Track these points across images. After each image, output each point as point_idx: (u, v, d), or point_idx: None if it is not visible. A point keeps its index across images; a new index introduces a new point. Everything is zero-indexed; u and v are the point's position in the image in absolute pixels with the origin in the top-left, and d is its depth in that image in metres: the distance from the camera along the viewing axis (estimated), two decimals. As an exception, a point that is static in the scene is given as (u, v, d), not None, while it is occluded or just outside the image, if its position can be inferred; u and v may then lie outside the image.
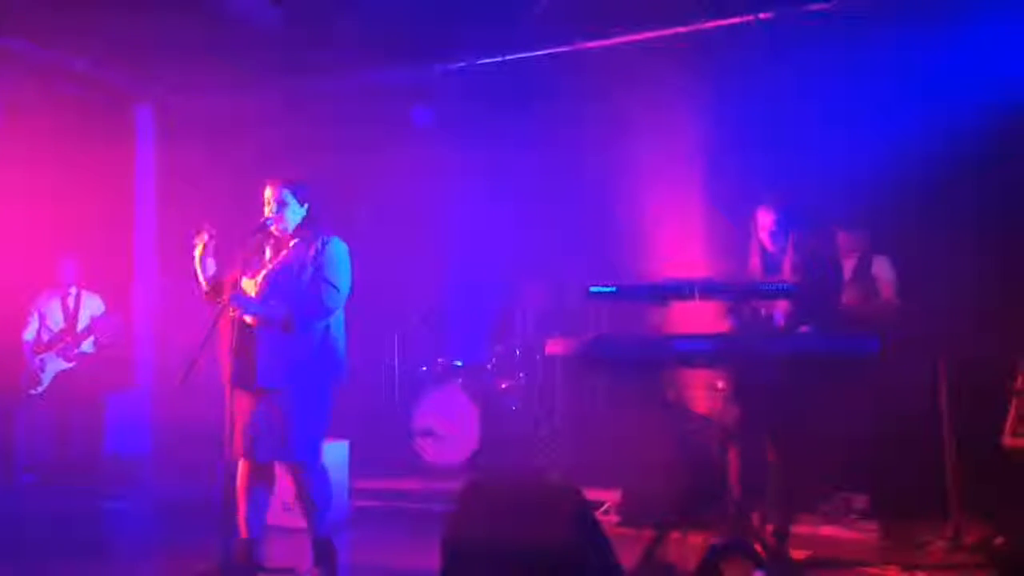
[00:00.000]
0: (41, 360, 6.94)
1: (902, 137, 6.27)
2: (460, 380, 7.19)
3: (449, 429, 6.95)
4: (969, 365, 5.29)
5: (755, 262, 4.86)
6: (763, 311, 4.69)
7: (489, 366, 7.33)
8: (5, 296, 7.23)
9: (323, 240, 4.33)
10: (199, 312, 4.43)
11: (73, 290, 7.16)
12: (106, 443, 7.22)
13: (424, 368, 7.49)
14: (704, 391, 5.97)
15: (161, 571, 5.08)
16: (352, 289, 4.39)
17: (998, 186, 6.14)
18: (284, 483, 4.49)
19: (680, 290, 4.13)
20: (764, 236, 4.79)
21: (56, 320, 7.08)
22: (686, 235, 6.79)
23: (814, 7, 6.29)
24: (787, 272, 4.68)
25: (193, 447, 6.95)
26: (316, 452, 4.33)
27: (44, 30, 6.86)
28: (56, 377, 6.96)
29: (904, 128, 6.26)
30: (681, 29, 6.62)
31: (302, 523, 4.43)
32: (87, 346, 7.09)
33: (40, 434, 6.97)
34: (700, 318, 4.99)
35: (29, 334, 7.03)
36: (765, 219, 4.78)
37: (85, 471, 6.83)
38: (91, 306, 7.20)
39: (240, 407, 4.26)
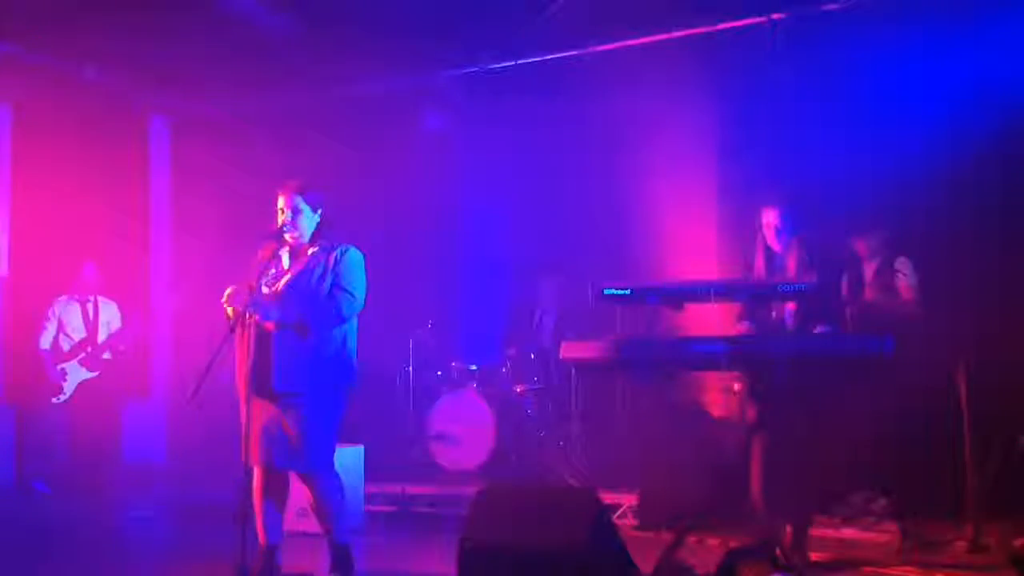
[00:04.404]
0: (63, 369, 6.96)
1: (918, 136, 6.25)
2: (475, 384, 7.18)
3: (464, 433, 6.94)
4: (989, 365, 5.25)
5: (759, 262, 4.84)
6: (774, 313, 4.66)
7: (504, 370, 7.32)
8: (21, 302, 7.28)
9: (343, 249, 4.36)
10: (214, 320, 4.44)
11: (92, 298, 7.18)
12: (124, 451, 7.24)
13: (439, 372, 7.48)
14: (721, 393, 5.97)
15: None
16: (366, 297, 4.39)
17: (1020, 186, 6.11)
18: (299, 489, 4.49)
19: (695, 292, 4.12)
20: (769, 235, 4.76)
21: (76, 328, 7.08)
22: (701, 235, 6.78)
23: (827, 7, 6.26)
24: (791, 272, 4.65)
25: (208, 455, 6.98)
26: (329, 460, 4.33)
27: (58, 41, 6.89)
28: (79, 386, 6.98)
29: (920, 127, 6.24)
30: (695, 31, 6.60)
31: (318, 528, 4.43)
32: (106, 355, 7.11)
33: (58, 441, 7.00)
34: (716, 320, 4.98)
35: (46, 341, 7.02)
36: (770, 218, 4.75)
37: (102, 479, 6.85)
38: (108, 313, 7.22)
39: (256, 414, 4.25)
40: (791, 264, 4.69)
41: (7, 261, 7.35)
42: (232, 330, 4.16)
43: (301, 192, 4.34)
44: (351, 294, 4.28)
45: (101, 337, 7.09)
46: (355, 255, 4.38)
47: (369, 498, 6.13)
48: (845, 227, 6.11)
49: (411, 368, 7.65)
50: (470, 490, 5.80)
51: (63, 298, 7.14)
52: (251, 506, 4.29)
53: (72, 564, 5.15)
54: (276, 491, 4.35)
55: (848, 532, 5.46)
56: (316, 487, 4.29)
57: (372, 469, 6.10)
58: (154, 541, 6.12)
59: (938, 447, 5.53)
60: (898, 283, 5.79)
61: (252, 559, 4.18)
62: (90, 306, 7.16)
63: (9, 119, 7.42)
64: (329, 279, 4.29)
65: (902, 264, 5.90)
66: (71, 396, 6.96)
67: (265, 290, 4.31)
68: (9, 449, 7.15)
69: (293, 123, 7.83)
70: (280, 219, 4.35)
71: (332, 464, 4.34)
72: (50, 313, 7.08)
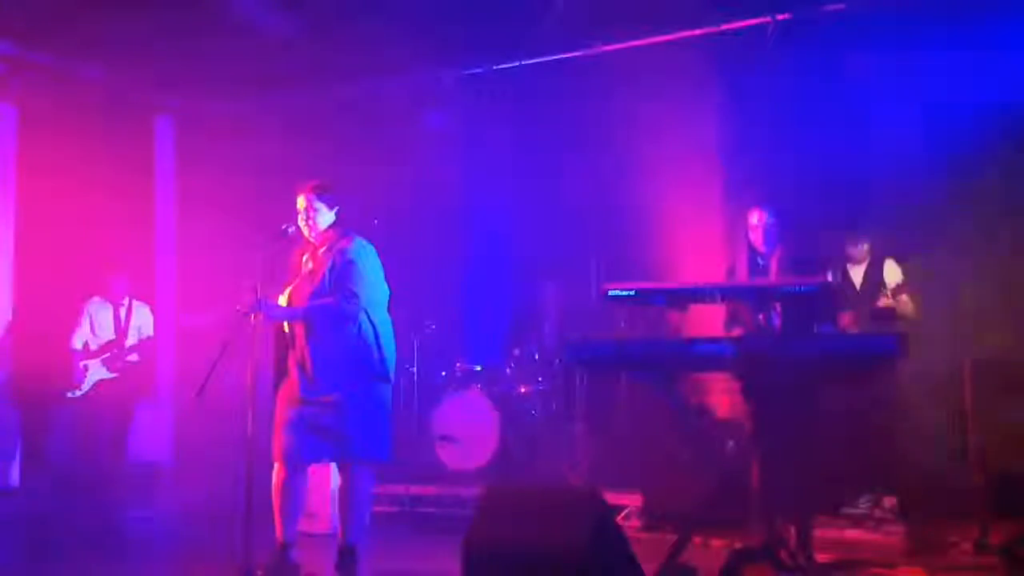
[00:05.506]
0: (85, 366, 6.96)
1: (920, 137, 6.24)
2: (479, 385, 7.17)
3: (468, 434, 6.93)
4: (995, 364, 5.24)
5: (742, 264, 4.83)
6: (761, 316, 4.65)
7: (508, 370, 7.31)
8: (27, 301, 7.28)
9: (346, 245, 4.40)
10: (218, 323, 4.48)
11: (127, 301, 7.18)
12: (130, 451, 7.25)
13: (443, 373, 7.48)
14: (726, 394, 5.96)
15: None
16: (384, 288, 4.49)
17: (1022, 186, 6.11)
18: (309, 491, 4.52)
19: (700, 293, 4.11)
20: (756, 236, 4.75)
21: (105, 329, 7.07)
22: (705, 236, 6.77)
23: (831, 7, 6.24)
24: (773, 274, 4.64)
25: (214, 455, 6.97)
26: (370, 454, 4.37)
27: (63, 41, 6.90)
28: (96, 384, 6.98)
29: (923, 128, 6.23)
30: (699, 31, 6.59)
31: (321, 529, 4.45)
32: (133, 357, 7.11)
33: (67, 438, 7.01)
34: (719, 321, 4.97)
35: (78, 342, 7.00)
36: (759, 219, 4.74)
37: (109, 477, 6.86)
38: (141, 317, 7.21)
39: (281, 412, 4.34)
40: (773, 265, 4.68)
41: (14, 260, 7.36)
42: (234, 332, 4.20)
43: (317, 191, 4.43)
44: (353, 292, 4.30)
45: (130, 341, 7.09)
46: (362, 250, 4.42)
47: (374, 499, 6.13)
48: (844, 228, 6.12)
49: (415, 369, 7.64)
50: (474, 491, 5.82)
51: (97, 299, 7.14)
52: (254, 504, 4.30)
53: (76, 564, 5.16)
54: (296, 489, 4.38)
55: (854, 533, 5.46)
56: (349, 479, 4.35)
57: (376, 470, 6.09)
58: (159, 541, 6.13)
59: (943, 448, 5.52)
60: (890, 287, 5.80)
61: (262, 557, 4.21)
62: (123, 309, 7.16)
63: (15, 119, 7.42)
64: (331, 277, 4.33)
65: (890, 267, 5.92)
66: (86, 392, 6.95)
67: (283, 297, 4.37)
68: (13, 448, 7.16)
69: (297, 123, 7.83)
70: (299, 220, 4.44)
71: (371, 459, 4.38)
72: (84, 311, 7.08)
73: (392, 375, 4.46)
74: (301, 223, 4.43)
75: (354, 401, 4.28)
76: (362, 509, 4.41)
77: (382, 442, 4.39)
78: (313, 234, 4.44)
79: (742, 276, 4.79)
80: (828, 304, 4.68)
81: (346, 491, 4.37)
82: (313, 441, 4.27)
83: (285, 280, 4.48)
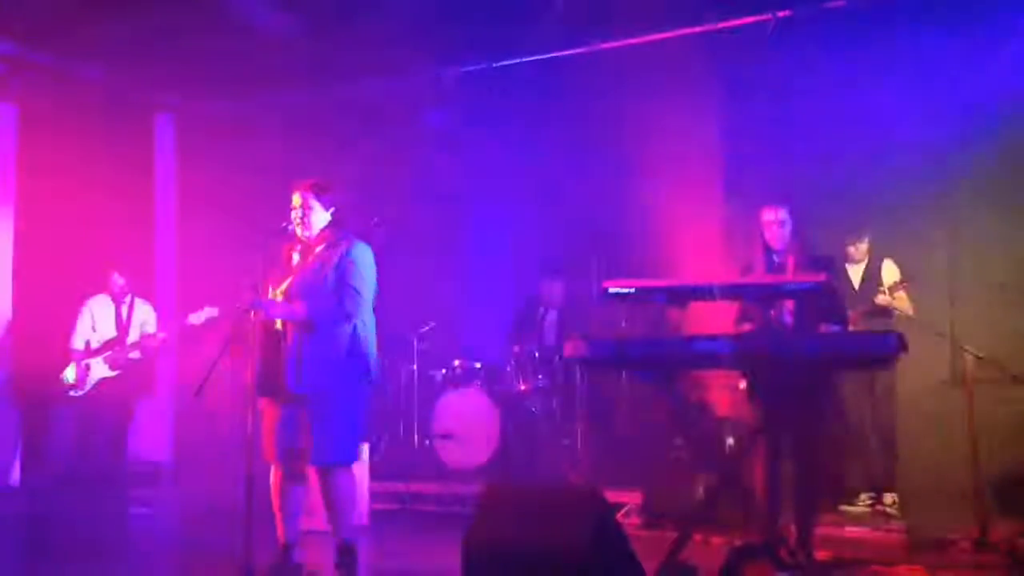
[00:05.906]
0: (87, 364, 6.95)
1: (920, 136, 6.25)
2: (479, 382, 7.18)
3: (468, 432, 6.94)
4: (995, 364, 5.24)
5: (759, 261, 4.82)
6: (773, 313, 4.65)
7: (508, 368, 7.31)
8: (27, 300, 7.28)
9: (347, 245, 4.38)
10: (219, 321, 4.48)
11: (129, 298, 7.18)
12: (130, 449, 7.25)
13: (443, 370, 7.48)
14: (726, 392, 5.97)
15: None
16: (376, 292, 4.44)
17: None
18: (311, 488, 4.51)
19: (700, 290, 4.11)
20: (771, 232, 4.74)
21: (107, 326, 7.06)
22: (705, 234, 6.77)
23: (831, 5, 6.24)
24: (790, 271, 4.64)
25: (213, 454, 6.98)
26: (347, 456, 4.36)
27: (63, 40, 6.90)
28: (98, 383, 6.98)
29: (922, 127, 6.24)
30: (700, 29, 6.59)
31: (320, 526, 4.45)
32: (134, 354, 7.11)
33: (68, 437, 7.01)
34: (720, 318, 4.97)
35: (79, 340, 7.00)
36: (775, 215, 4.73)
37: (109, 475, 6.85)
38: (143, 314, 7.20)
39: (270, 413, 4.32)
40: (790, 263, 4.68)
41: (14, 260, 7.36)
42: (233, 331, 4.19)
43: (313, 190, 4.42)
44: (356, 291, 4.30)
45: (132, 338, 7.08)
46: (361, 251, 4.41)
47: (373, 496, 6.14)
48: (844, 227, 6.13)
49: (415, 366, 7.65)
50: (474, 488, 5.83)
51: (99, 296, 7.13)
52: (255, 503, 4.30)
53: (76, 564, 5.15)
54: (294, 489, 4.38)
55: (854, 531, 5.46)
56: (330, 482, 4.33)
57: (376, 467, 6.10)
58: (159, 540, 6.13)
59: (943, 448, 5.52)
60: (887, 283, 5.81)
61: (263, 557, 4.20)
62: (125, 307, 7.14)
63: (15, 119, 7.42)
64: (332, 276, 4.31)
65: (888, 267, 5.92)
66: (87, 391, 6.95)
67: (276, 293, 4.36)
68: (13, 446, 7.16)
69: (297, 122, 7.83)
70: (293, 216, 4.41)
71: (350, 460, 4.38)
72: (83, 311, 7.06)
73: (374, 376, 4.45)
74: (295, 220, 4.40)
75: (340, 400, 4.27)
76: (350, 506, 4.40)
77: (355, 442, 4.41)
78: (306, 232, 4.41)
79: (759, 274, 4.78)
80: (836, 302, 4.68)
81: (329, 493, 4.34)
82: (298, 443, 4.25)
83: (274, 277, 4.43)
